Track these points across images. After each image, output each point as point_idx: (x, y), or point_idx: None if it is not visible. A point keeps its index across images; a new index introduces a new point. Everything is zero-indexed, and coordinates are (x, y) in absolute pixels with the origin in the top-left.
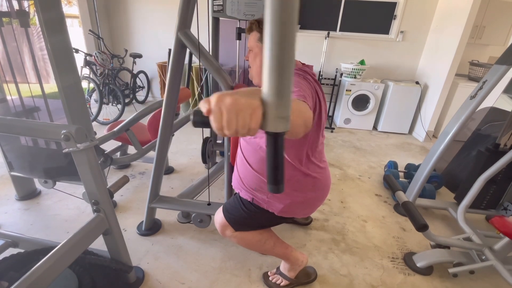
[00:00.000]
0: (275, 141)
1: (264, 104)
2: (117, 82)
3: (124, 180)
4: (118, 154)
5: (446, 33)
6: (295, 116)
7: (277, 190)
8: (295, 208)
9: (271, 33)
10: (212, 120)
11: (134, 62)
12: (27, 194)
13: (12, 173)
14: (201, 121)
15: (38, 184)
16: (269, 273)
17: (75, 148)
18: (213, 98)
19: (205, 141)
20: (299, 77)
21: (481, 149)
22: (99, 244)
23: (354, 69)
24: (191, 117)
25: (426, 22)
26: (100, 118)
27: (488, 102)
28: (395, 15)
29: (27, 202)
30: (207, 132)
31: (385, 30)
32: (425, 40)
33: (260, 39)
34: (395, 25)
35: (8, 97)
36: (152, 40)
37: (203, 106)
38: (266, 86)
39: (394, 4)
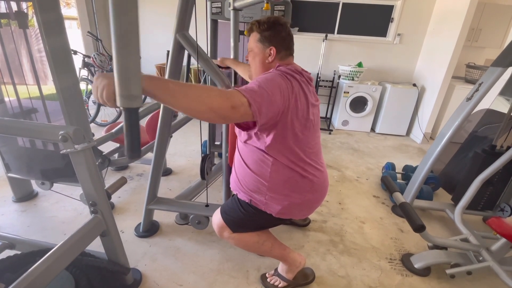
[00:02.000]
0: (126, 115)
1: (111, 83)
2: None
3: (122, 182)
4: (116, 155)
5: (443, 36)
6: (194, 102)
7: (133, 156)
8: (293, 209)
9: (113, 18)
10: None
11: None
12: (24, 195)
13: (9, 174)
14: None
15: (35, 185)
16: (267, 274)
17: (73, 149)
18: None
19: (204, 158)
20: (280, 75)
21: (478, 151)
22: (96, 246)
23: (352, 71)
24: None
25: (423, 25)
26: (98, 119)
27: (484, 104)
28: (392, 18)
29: (24, 204)
30: (205, 135)
31: (383, 32)
32: (422, 42)
33: (260, 40)
34: (392, 28)
35: (6, 99)
36: (150, 41)
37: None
38: (114, 71)
39: (391, 7)
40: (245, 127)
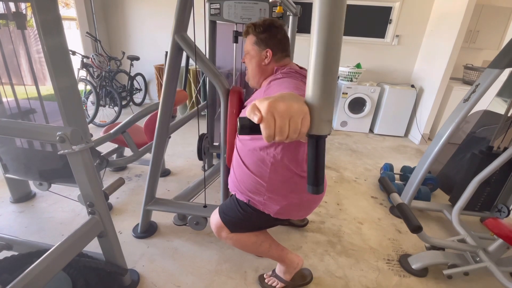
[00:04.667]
0: (318, 143)
1: (310, 108)
2: (114, 84)
3: (120, 182)
4: (114, 156)
5: (441, 37)
6: None
7: (317, 191)
8: (291, 209)
9: (318, 39)
10: (264, 127)
11: (131, 65)
12: (22, 196)
13: (7, 175)
14: (250, 127)
15: (33, 186)
16: (264, 275)
17: (70, 150)
18: (263, 105)
19: (201, 137)
20: (297, 80)
21: (475, 152)
22: (94, 247)
23: (351, 72)
24: (238, 125)
25: (421, 26)
26: (97, 120)
27: (482, 105)
28: (391, 20)
29: (21, 205)
30: (203, 131)
31: (381, 34)
32: (420, 44)
33: (256, 43)
34: (390, 29)
35: (4, 99)
36: (149, 42)
37: (253, 114)
38: (311, 90)
39: (390, 8)
40: None
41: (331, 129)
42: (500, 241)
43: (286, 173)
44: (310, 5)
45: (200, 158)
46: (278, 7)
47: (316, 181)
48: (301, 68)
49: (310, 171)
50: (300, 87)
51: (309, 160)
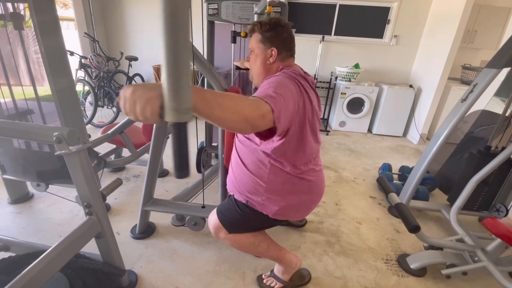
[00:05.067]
0: (175, 130)
1: (162, 96)
2: (112, 85)
3: (117, 183)
4: (112, 157)
5: (439, 38)
6: (229, 112)
7: (182, 176)
8: (289, 210)
9: (165, 36)
10: (120, 105)
11: (130, 65)
12: (20, 197)
13: (4, 176)
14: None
15: (30, 187)
16: (263, 275)
17: (67, 150)
18: (124, 89)
19: (200, 151)
20: (288, 78)
21: (473, 151)
22: (92, 248)
23: (349, 72)
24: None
25: (419, 26)
26: (95, 120)
27: (480, 105)
28: (389, 20)
29: (19, 206)
30: (201, 136)
31: (379, 34)
32: (418, 44)
33: (262, 41)
34: (388, 30)
35: (1, 100)
36: (148, 43)
37: (121, 94)
38: (163, 81)
39: (388, 9)
40: (266, 135)
41: (187, 118)
42: (498, 240)
43: (285, 174)
44: (300, 5)
45: (198, 171)
46: (268, 6)
47: (179, 165)
48: (305, 72)
49: (173, 156)
50: (282, 87)
51: (172, 145)
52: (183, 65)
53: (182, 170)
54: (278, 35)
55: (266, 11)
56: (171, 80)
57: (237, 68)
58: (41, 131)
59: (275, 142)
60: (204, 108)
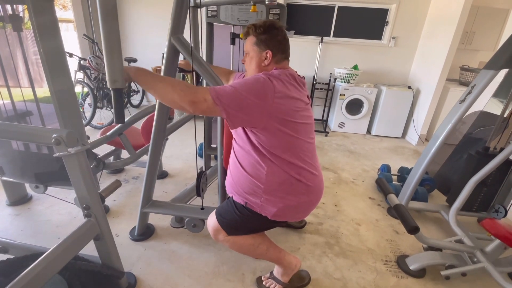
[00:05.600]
0: (114, 93)
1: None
2: None
3: (116, 185)
4: (111, 158)
5: (437, 39)
6: (161, 93)
7: (120, 121)
8: (288, 212)
9: (102, 26)
10: None
11: None
12: (18, 199)
13: (3, 178)
14: None
15: (29, 189)
16: (262, 277)
17: (66, 152)
18: None
19: (200, 175)
20: (261, 79)
21: (472, 152)
22: (90, 250)
23: (348, 74)
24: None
25: (417, 28)
26: (94, 122)
27: (478, 106)
28: (387, 21)
29: (18, 208)
30: (201, 138)
31: (378, 35)
32: (417, 45)
33: (257, 43)
34: (387, 31)
35: (0, 102)
36: (146, 44)
37: None
38: (105, 63)
39: (386, 10)
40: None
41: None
42: (497, 241)
43: (282, 175)
44: (300, 7)
45: (198, 194)
46: (252, 6)
47: (118, 114)
48: (298, 75)
49: (114, 110)
50: (257, 89)
51: (113, 103)
52: (114, 47)
53: (119, 118)
54: (272, 37)
55: (251, 10)
56: (107, 59)
57: (180, 70)
58: (40, 132)
59: (257, 134)
60: (144, 86)
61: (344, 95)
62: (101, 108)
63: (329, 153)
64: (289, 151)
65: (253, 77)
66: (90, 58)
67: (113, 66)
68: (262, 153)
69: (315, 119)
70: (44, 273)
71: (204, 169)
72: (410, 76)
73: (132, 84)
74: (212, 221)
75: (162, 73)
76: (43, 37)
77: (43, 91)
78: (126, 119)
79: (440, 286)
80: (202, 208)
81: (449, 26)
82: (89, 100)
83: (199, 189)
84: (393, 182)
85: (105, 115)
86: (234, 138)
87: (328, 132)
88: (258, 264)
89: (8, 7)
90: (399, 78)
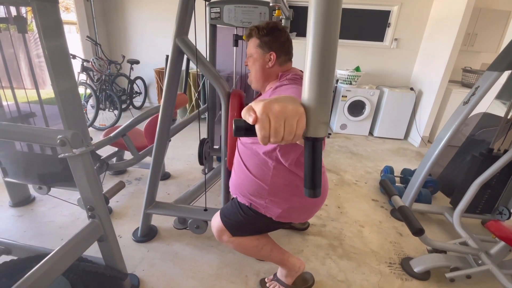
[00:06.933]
0: (314, 146)
1: (306, 110)
2: (114, 88)
3: (120, 186)
4: (114, 159)
5: (439, 41)
6: None
7: (314, 195)
8: (293, 213)
9: (314, 41)
10: (259, 128)
11: (131, 68)
12: (21, 200)
13: (6, 179)
14: (245, 129)
15: (32, 190)
16: (266, 279)
17: (71, 153)
18: (258, 106)
19: (202, 142)
20: (296, 86)
21: (475, 154)
22: (94, 251)
23: (350, 75)
24: (233, 126)
25: (419, 29)
26: (96, 123)
27: (481, 108)
28: (389, 23)
29: (21, 209)
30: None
31: (380, 37)
32: (419, 47)
33: (260, 45)
34: (389, 33)
35: (4, 103)
36: (149, 46)
37: (248, 115)
38: (307, 92)
39: (388, 12)
40: None
41: (329, 131)
42: (502, 243)
43: (288, 177)
44: (303, 9)
45: (201, 163)
46: (277, 10)
47: (312, 184)
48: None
49: (307, 174)
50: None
51: (306, 163)
52: (330, 74)
53: (315, 188)
54: (276, 39)
55: (275, 15)
56: (318, 91)
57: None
58: (45, 133)
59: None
60: None
61: (346, 96)
62: (104, 109)
63: (331, 155)
64: (295, 152)
65: (294, 85)
66: (93, 59)
67: (327, 101)
68: (268, 155)
69: None
70: (48, 275)
71: (206, 138)
72: (412, 77)
73: (135, 86)
74: (216, 221)
75: (166, 75)
76: (48, 38)
77: (46, 92)
78: (128, 121)
79: None
80: (206, 209)
81: (451, 27)
82: (91, 101)
83: (201, 157)
84: (396, 184)
85: (107, 117)
86: (239, 139)
87: (330, 134)
88: (261, 266)
89: (13, 8)
90: (401, 79)
